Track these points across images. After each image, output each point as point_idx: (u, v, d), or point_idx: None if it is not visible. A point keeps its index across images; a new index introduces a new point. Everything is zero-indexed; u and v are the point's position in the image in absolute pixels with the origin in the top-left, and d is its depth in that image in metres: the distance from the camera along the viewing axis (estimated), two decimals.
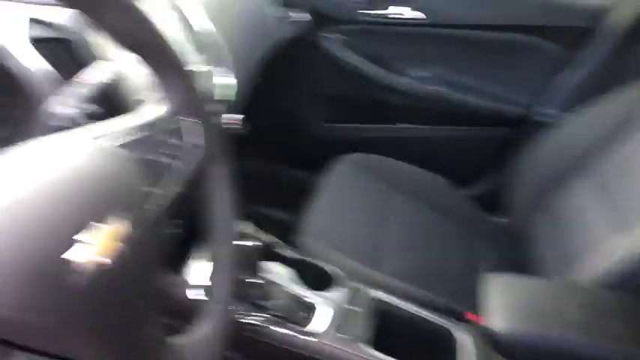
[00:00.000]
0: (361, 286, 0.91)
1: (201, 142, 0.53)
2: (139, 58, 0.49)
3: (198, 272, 0.81)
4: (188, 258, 0.83)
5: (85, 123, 0.55)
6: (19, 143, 0.55)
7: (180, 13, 0.89)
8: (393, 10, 1.37)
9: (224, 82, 0.94)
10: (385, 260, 1.09)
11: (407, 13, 1.36)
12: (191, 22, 0.91)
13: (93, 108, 0.56)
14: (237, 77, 0.98)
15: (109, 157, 0.43)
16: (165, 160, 0.50)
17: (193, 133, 0.53)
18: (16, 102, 0.58)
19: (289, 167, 1.58)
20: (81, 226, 0.36)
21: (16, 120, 0.59)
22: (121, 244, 0.39)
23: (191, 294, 0.80)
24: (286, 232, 1.08)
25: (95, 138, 0.44)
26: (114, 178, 0.42)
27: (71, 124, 0.54)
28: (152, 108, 0.51)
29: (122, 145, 0.46)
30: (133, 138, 0.47)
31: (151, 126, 0.50)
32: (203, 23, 0.94)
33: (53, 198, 0.36)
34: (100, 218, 0.37)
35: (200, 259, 0.83)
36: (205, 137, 0.53)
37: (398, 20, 1.38)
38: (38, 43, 0.62)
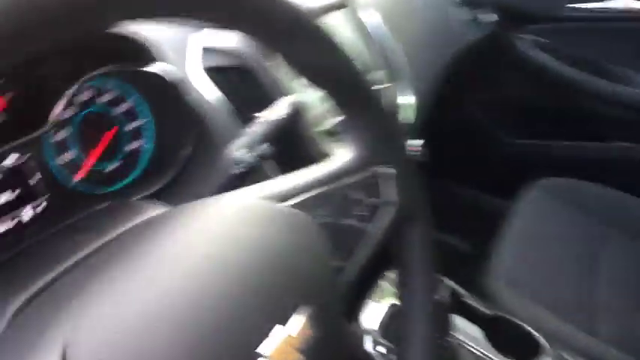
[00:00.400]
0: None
1: (397, 197, 0.41)
2: (326, 93, 0.38)
3: (376, 315, 0.72)
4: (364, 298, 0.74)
5: (262, 168, 0.47)
6: (193, 190, 0.48)
7: (358, 25, 0.78)
8: (614, 3, 1.10)
9: (403, 101, 0.82)
10: (599, 320, 0.86)
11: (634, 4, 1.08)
12: (369, 35, 0.80)
13: (270, 149, 0.48)
14: (416, 92, 0.85)
15: (290, 227, 0.34)
16: (356, 223, 0.39)
17: (388, 186, 0.41)
18: (196, 141, 0.53)
19: (472, 189, 1.38)
20: (262, 334, 0.27)
21: (194, 160, 0.53)
22: (302, 357, 0.29)
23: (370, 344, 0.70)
24: (467, 265, 0.92)
25: (272, 198, 0.35)
26: (297, 257, 0.33)
27: (248, 169, 0.46)
28: (340, 154, 0.40)
29: (304, 208, 0.36)
30: (316, 197, 0.37)
31: (338, 178, 0.39)
32: (381, 35, 0.83)
33: (228, 290, 0.28)
34: (283, 318, 0.29)
35: (378, 299, 0.73)
36: (401, 190, 0.41)
37: (620, 15, 1.11)
38: (214, 73, 0.56)
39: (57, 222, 0.52)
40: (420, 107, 0.87)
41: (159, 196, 0.55)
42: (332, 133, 0.60)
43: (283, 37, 0.33)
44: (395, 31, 0.86)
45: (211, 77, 0.56)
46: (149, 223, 0.33)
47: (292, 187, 0.36)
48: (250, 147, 0.47)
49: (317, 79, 0.37)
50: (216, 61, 0.57)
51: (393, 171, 0.41)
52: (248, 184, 0.37)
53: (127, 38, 0.51)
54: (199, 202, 0.34)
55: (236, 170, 0.46)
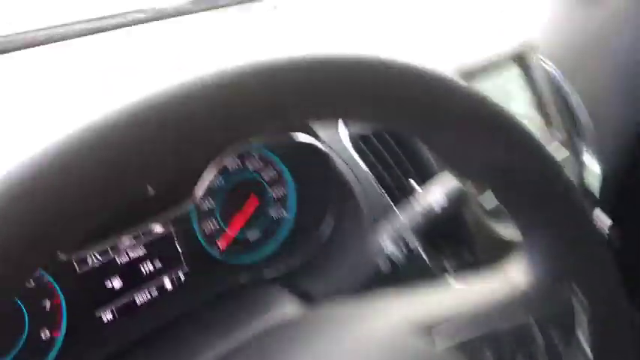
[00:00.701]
0: None
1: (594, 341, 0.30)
2: (501, 195, 0.30)
3: None
4: None
5: (412, 265, 0.40)
6: (332, 273, 0.43)
7: (532, 79, 0.67)
8: None
9: (585, 168, 0.68)
10: None
11: None
12: (545, 91, 0.68)
13: (423, 243, 0.40)
14: (601, 155, 0.70)
15: None
16: None
17: (581, 320, 0.30)
18: (339, 217, 0.48)
19: None
20: None
21: (337, 238, 0.48)
22: None
23: None
24: None
25: (419, 325, 0.28)
26: None
27: (395, 265, 0.39)
28: (515, 269, 0.31)
29: (462, 347, 0.28)
30: (478, 330, 0.28)
31: (510, 309, 0.30)
32: (560, 89, 0.71)
33: None
34: None
35: None
36: (602, 331, 0.30)
37: None
38: (363, 141, 0.51)
39: (197, 291, 0.51)
40: (607, 172, 0.71)
41: (297, 274, 0.51)
42: (498, 214, 0.50)
43: (448, 126, 0.26)
44: (573, 82, 0.73)
45: (360, 146, 0.51)
46: (285, 328, 0.30)
47: (445, 313, 0.29)
48: (400, 238, 0.40)
49: (492, 178, 0.29)
50: (366, 128, 0.52)
51: (586, 303, 0.30)
52: (394, 284, 0.30)
53: None
54: (342, 312, 0.29)
55: (381, 263, 0.40)
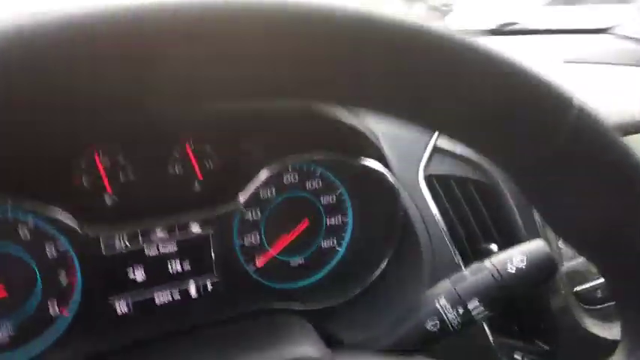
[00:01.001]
0: None
1: None
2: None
3: None
4: None
5: (467, 333, 0.32)
6: (371, 317, 0.37)
7: None
8: None
9: None
10: None
11: None
12: None
13: (485, 311, 0.32)
14: None
15: None
16: None
17: None
18: (394, 258, 0.42)
19: None
20: None
21: (386, 281, 0.42)
22: None
23: None
24: None
25: None
26: None
27: (445, 330, 0.32)
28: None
29: None
30: None
31: None
32: None
33: None
34: None
35: None
36: None
37: None
38: (440, 181, 0.44)
39: (225, 307, 0.46)
40: None
41: (333, 313, 0.44)
42: (587, 301, 0.40)
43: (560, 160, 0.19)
44: None
45: (436, 188, 0.44)
46: None
47: None
48: (460, 300, 0.32)
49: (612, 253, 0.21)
50: (445, 168, 0.45)
51: None
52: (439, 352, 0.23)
53: (348, 128, 0.43)
54: None
55: (430, 324, 0.32)
